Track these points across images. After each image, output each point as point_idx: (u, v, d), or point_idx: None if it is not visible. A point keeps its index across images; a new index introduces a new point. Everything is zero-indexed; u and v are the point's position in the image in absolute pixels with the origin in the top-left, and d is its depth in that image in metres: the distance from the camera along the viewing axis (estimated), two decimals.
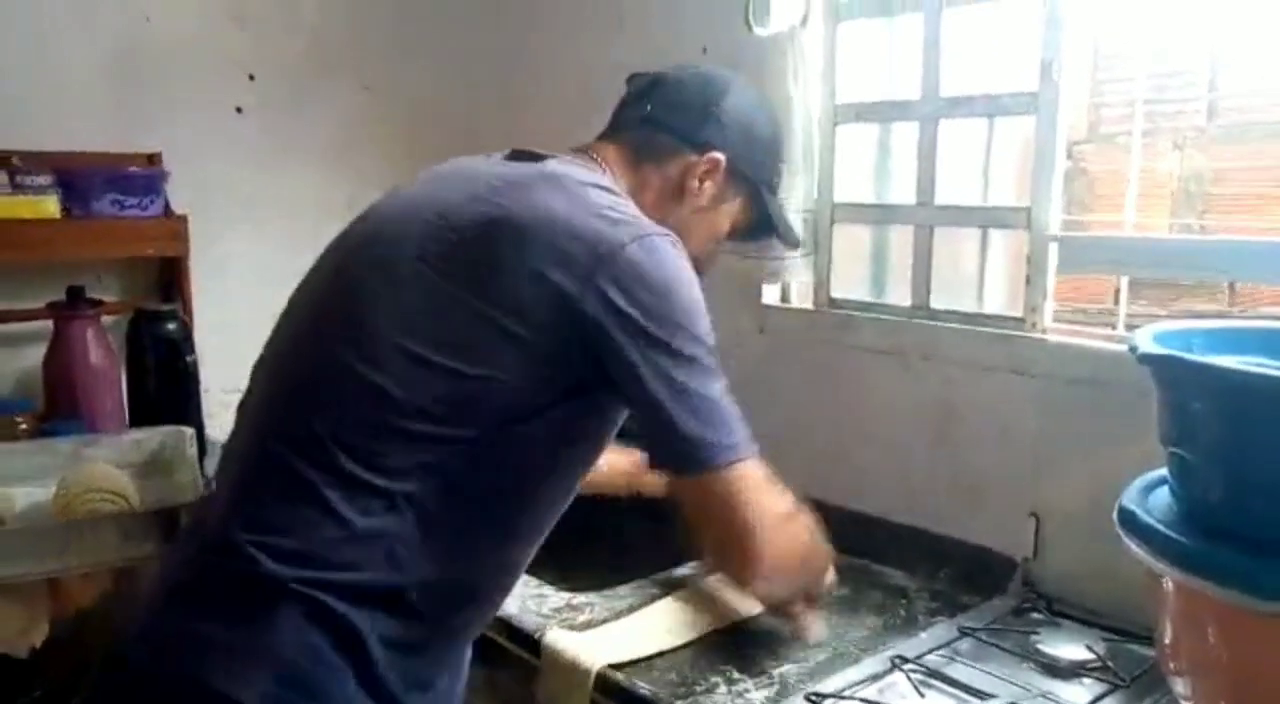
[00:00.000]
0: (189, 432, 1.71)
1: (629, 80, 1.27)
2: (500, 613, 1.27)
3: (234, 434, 1.10)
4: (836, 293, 1.84)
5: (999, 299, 1.67)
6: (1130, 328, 1.49)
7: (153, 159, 1.99)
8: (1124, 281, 1.57)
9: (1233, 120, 2.78)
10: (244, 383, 2.09)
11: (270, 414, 1.05)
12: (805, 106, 1.75)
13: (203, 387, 1.91)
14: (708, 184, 1.20)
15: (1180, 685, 1.03)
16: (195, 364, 1.81)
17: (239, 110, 2.13)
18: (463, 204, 1.04)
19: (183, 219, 1.92)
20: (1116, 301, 1.69)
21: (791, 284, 1.90)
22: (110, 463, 1.60)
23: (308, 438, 0.98)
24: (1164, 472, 1.06)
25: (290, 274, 2.24)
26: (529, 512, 1.08)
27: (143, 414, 1.81)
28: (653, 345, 0.99)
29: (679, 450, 1.02)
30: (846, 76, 1.79)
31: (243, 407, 1.12)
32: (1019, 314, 1.57)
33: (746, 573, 1.13)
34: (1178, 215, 2.72)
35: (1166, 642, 1.05)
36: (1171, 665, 1.05)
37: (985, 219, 1.65)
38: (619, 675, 1.25)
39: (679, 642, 1.34)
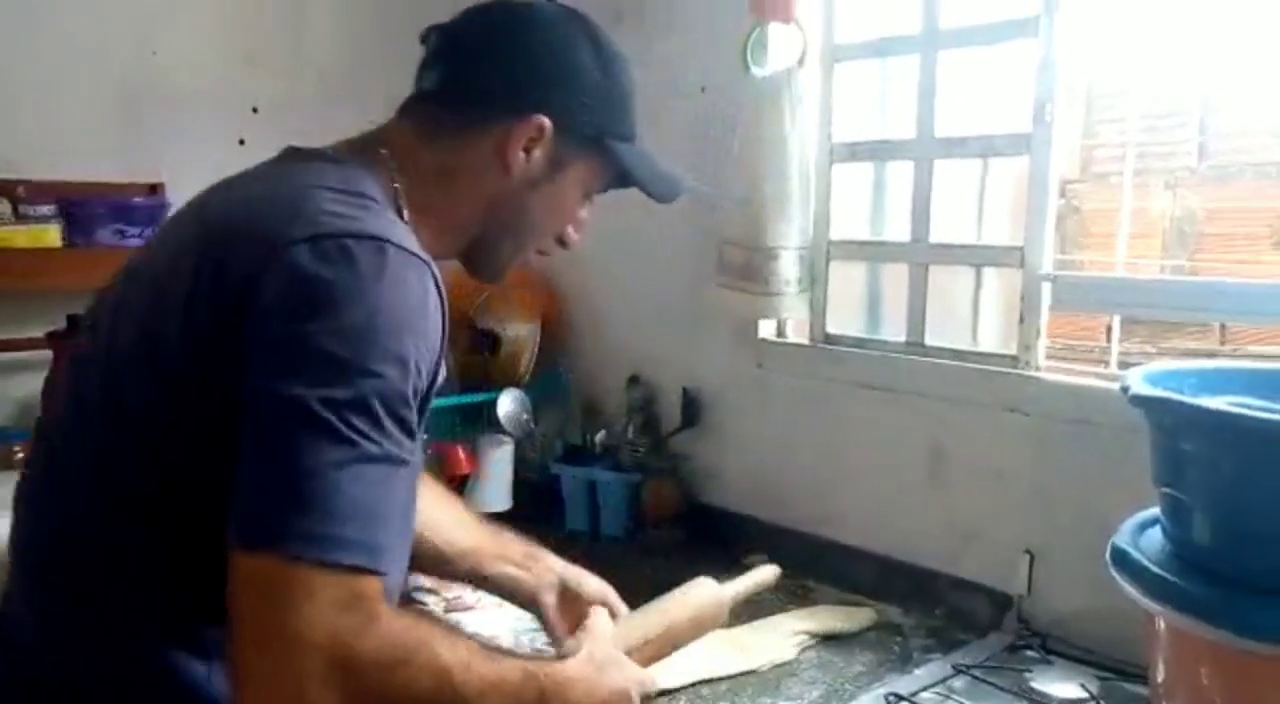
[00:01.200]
0: None
1: (422, 39, 1.01)
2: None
3: None
4: (832, 328, 1.86)
5: (993, 337, 1.69)
6: (1123, 365, 1.50)
7: (155, 189, 2.01)
8: (1116, 320, 1.59)
9: (1223, 161, 2.84)
10: None
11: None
12: (802, 145, 1.77)
13: None
14: (535, 153, 0.97)
15: None
16: None
17: (242, 142, 2.15)
18: (182, 222, 0.92)
19: None
20: (1108, 338, 1.71)
21: (788, 320, 1.92)
22: None
23: None
24: (1157, 511, 1.07)
25: None
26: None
27: None
28: (281, 374, 0.75)
29: (248, 511, 0.74)
30: (842, 116, 1.82)
31: None
32: (1013, 352, 1.58)
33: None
34: (1169, 254, 2.77)
35: (1160, 681, 1.05)
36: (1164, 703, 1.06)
37: (979, 258, 1.68)
38: None
39: (680, 683, 1.34)
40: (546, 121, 0.96)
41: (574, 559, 1.25)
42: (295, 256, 0.78)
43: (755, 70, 1.79)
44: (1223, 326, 2.42)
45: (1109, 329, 1.92)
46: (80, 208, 1.83)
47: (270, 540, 0.72)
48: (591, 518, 2.03)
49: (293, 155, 0.95)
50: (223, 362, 0.78)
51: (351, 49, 2.28)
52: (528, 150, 0.96)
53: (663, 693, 1.29)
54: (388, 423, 0.76)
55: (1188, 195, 2.56)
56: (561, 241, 1.06)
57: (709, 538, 1.95)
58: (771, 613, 1.55)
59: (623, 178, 1.04)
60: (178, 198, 2.01)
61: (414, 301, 0.80)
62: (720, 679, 1.37)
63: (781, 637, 1.47)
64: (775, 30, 1.78)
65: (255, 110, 2.16)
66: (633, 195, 1.08)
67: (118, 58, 2.01)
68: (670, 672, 1.31)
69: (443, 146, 0.97)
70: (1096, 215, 2.55)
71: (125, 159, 2.01)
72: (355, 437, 0.74)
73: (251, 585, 0.73)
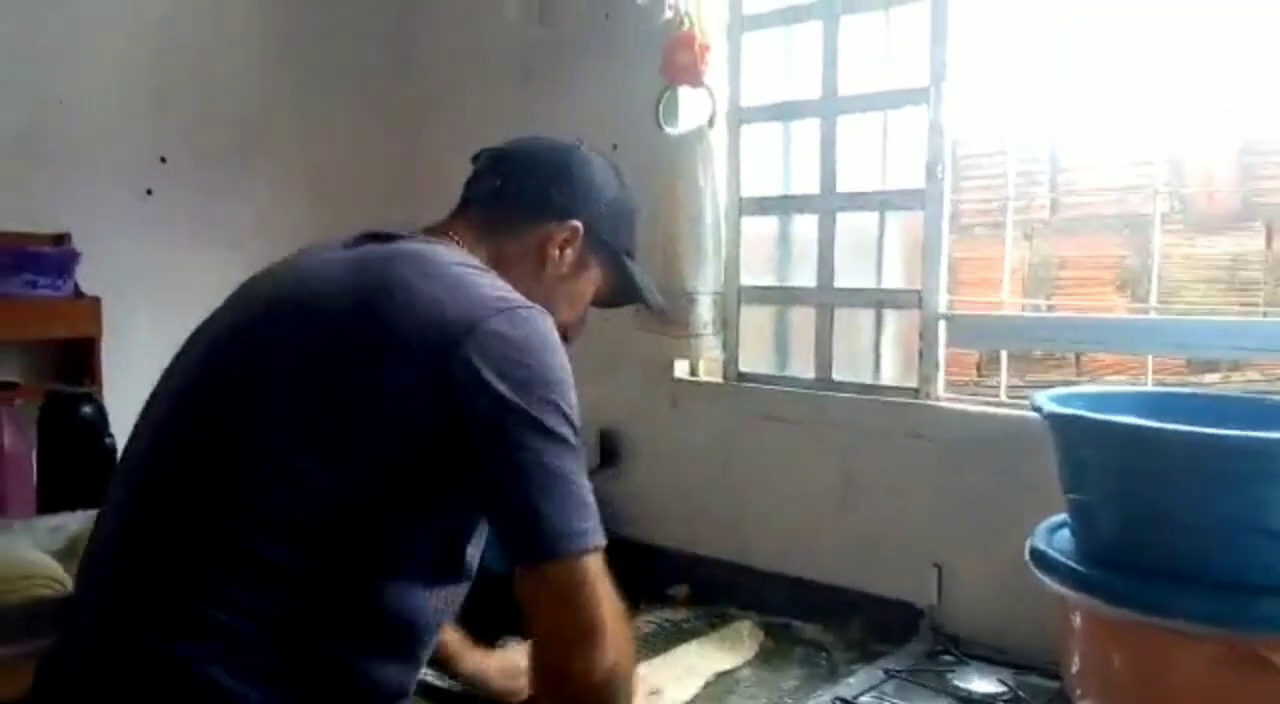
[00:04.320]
0: None
1: (474, 157, 1.28)
2: None
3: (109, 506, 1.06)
4: (744, 367, 1.99)
5: (894, 371, 1.84)
6: (1011, 396, 1.68)
7: (61, 239, 1.97)
8: (1004, 354, 1.77)
9: (1071, 215, 3.19)
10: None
11: (145, 503, 1.01)
12: (714, 199, 1.91)
13: None
14: (568, 252, 1.21)
15: None
16: (114, 446, 1.78)
17: (149, 192, 2.13)
18: (323, 294, 1.03)
19: (95, 300, 1.91)
20: (979, 372, 1.90)
21: (700, 360, 2.04)
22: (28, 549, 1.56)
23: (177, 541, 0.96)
24: (1063, 516, 1.23)
25: None
26: (390, 624, 1.03)
27: (54, 498, 1.76)
28: (518, 421, 0.96)
29: (529, 534, 0.96)
30: (750, 172, 1.97)
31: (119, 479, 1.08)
32: (914, 385, 1.74)
33: (587, 673, 0.97)
34: (1030, 295, 3.09)
35: (1074, 670, 1.19)
36: (1079, 690, 1.20)
37: (880, 300, 1.84)
38: None
39: None
40: (579, 225, 1.20)
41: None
42: (498, 327, 0.99)
43: (669, 129, 1.92)
44: (1078, 359, 2.69)
45: (978, 365, 2.10)
46: None
47: (557, 548, 0.95)
48: None
49: (374, 237, 1.12)
50: (440, 402, 0.97)
51: (262, 98, 2.30)
52: (562, 249, 1.20)
53: None
54: (580, 440, 1.01)
55: (1043, 244, 2.86)
56: (564, 336, 1.17)
57: (632, 571, 2.01)
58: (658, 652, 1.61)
59: (623, 289, 1.31)
60: (86, 249, 1.98)
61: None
62: None
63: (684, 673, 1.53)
64: (685, 93, 1.92)
65: (163, 159, 2.15)
66: None
67: (22, 106, 1.97)
68: None
69: (497, 240, 1.19)
70: (964, 262, 2.82)
71: (29, 208, 1.97)
72: (579, 451, 1.00)
73: (551, 587, 0.97)
